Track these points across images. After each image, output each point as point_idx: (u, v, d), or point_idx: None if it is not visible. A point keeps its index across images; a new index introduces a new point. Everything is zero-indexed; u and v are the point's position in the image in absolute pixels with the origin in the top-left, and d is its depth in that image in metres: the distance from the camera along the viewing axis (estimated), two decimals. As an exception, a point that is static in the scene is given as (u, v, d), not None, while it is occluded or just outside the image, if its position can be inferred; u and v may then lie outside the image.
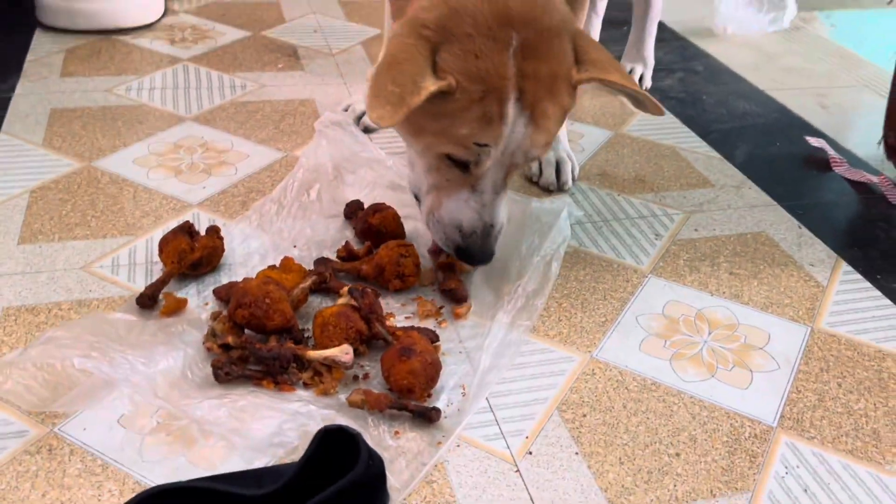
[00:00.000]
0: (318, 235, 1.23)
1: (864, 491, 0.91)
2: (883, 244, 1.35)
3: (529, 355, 1.06)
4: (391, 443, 0.89)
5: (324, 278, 1.09)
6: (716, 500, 0.88)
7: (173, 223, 1.24)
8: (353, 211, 1.27)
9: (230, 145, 1.50)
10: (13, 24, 1.95)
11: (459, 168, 1.04)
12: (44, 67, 1.75)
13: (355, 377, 0.99)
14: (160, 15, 2.05)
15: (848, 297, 1.22)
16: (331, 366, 0.97)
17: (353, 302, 1.02)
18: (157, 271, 1.15)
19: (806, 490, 0.90)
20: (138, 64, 1.80)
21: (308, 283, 1.07)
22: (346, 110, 1.59)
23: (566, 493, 0.87)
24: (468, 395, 0.98)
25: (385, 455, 0.86)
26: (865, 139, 1.72)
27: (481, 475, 0.89)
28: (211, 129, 1.55)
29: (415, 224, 1.27)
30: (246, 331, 1.01)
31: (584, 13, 1.36)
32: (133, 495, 0.77)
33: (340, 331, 0.99)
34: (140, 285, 1.12)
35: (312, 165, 1.36)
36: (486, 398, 0.98)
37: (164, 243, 1.13)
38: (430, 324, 1.08)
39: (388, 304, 1.11)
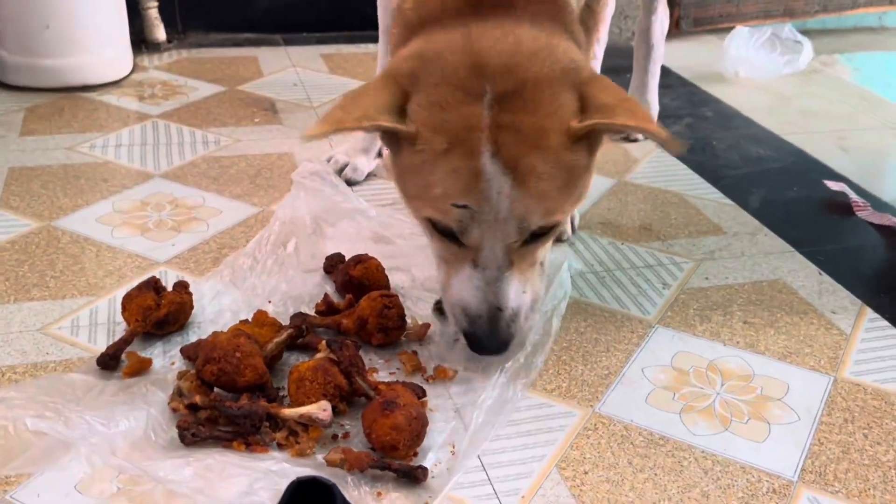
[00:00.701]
0: (294, 290, 1.27)
1: (895, 547, 0.92)
2: (911, 289, 1.39)
3: (526, 410, 1.08)
4: (373, 504, 0.91)
5: (300, 332, 1.13)
6: (732, 560, 0.89)
7: (138, 282, 1.27)
8: (334, 264, 1.31)
9: (201, 201, 1.55)
10: (-29, 83, 2.04)
11: (449, 239, 1.05)
12: (1, 126, 1.82)
13: (334, 436, 1.01)
14: (128, 71, 2.14)
15: (874, 344, 1.25)
16: (307, 424, 0.99)
17: (331, 355, 1.05)
18: (121, 331, 1.18)
19: (831, 547, 0.91)
20: (104, 121, 1.87)
21: (283, 336, 1.10)
22: (328, 161, 1.64)
23: (566, 554, 0.89)
24: (458, 453, 1.00)
25: (366, 516, 0.88)
26: (891, 182, 1.77)
27: (472, 537, 0.90)
28: (181, 185, 1.61)
29: (400, 276, 1.31)
30: (215, 389, 1.04)
31: (594, 45, 1.41)
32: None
33: (318, 386, 1.02)
34: (101, 346, 1.15)
35: (289, 218, 1.41)
36: (478, 456, 1.00)
37: (128, 300, 1.17)
38: (416, 379, 1.11)
39: (370, 359, 1.14)
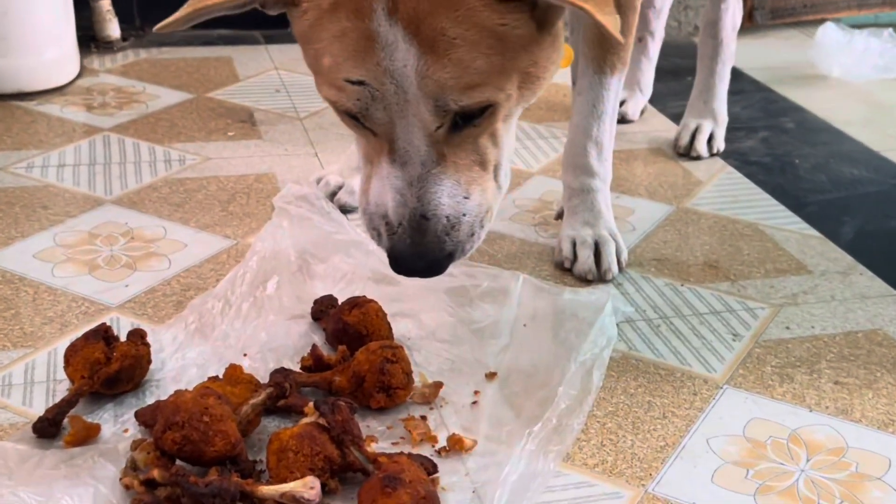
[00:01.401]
0: (275, 341, 1.29)
1: None
2: None
3: (562, 491, 1.09)
4: None
5: (282, 391, 1.14)
6: None
7: (85, 330, 1.29)
8: (324, 309, 1.33)
9: (162, 232, 1.58)
10: None
11: (359, 124, 1.06)
12: (-80, 142, 1.87)
13: (324, 520, 1.02)
14: (74, 76, 2.18)
15: None
16: (290, 505, 1.00)
17: (320, 420, 1.06)
18: (62, 391, 1.20)
19: None
20: (44, 136, 1.92)
21: (261, 397, 1.12)
22: (318, 183, 1.67)
23: None
24: (477, 542, 1.01)
25: None
26: None
27: None
28: (137, 213, 1.64)
29: (406, 323, 1.33)
30: (178, 461, 1.05)
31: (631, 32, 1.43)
32: None
33: (304, 458, 1.03)
34: (39, 410, 1.16)
35: (270, 252, 1.43)
36: (502, 545, 1.01)
37: (72, 352, 1.19)
38: (425, 450, 1.12)
39: (368, 426, 1.16)
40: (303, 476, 1.02)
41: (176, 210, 1.65)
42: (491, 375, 1.25)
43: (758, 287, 1.50)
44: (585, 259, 1.49)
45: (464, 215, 1.07)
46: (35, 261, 1.49)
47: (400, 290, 1.40)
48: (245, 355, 1.26)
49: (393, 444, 1.13)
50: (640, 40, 2.09)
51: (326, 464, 1.04)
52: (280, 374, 1.19)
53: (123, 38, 2.44)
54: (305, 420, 1.08)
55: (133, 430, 1.14)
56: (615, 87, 1.52)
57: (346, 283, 1.42)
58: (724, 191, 1.81)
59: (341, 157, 1.73)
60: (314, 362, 1.23)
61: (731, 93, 2.06)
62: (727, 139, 2.00)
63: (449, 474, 1.09)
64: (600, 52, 1.47)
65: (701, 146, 1.94)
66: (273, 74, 2.30)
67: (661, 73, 2.18)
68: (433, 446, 1.13)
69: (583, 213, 1.54)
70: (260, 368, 1.23)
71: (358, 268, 1.44)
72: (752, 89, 2.34)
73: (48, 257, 1.50)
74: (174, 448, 1.04)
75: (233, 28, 2.55)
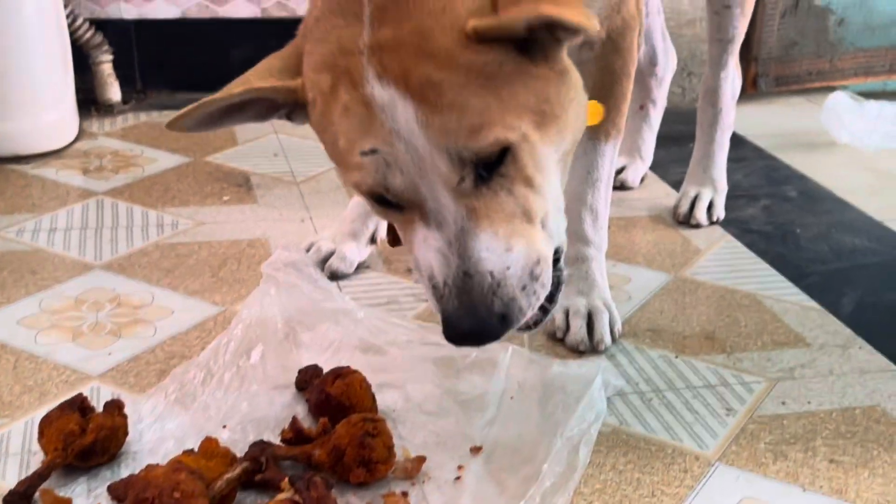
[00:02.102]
0: (257, 412, 1.27)
1: None
2: None
3: (543, 572, 1.06)
4: None
5: (258, 466, 1.13)
6: None
7: (64, 400, 1.28)
8: (309, 379, 1.32)
9: (150, 299, 1.57)
10: None
11: (388, 206, 1.07)
12: (-89, 205, 1.88)
13: None
14: (72, 139, 2.20)
15: None
16: (261, 585, 0.98)
17: (296, 497, 1.05)
18: (37, 463, 1.18)
19: None
20: (37, 199, 1.92)
21: (236, 471, 1.10)
22: (308, 250, 1.67)
23: None
24: None
25: None
26: None
27: None
28: (126, 278, 1.63)
29: (392, 395, 1.31)
30: (148, 538, 1.03)
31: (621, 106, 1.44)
32: None
33: (276, 536, 1.01)
34: (11, 482, 1.15)
35: (256, 320, 1.42)
36: None
37: (47, 423, 1.18)
38: (404, 529, 1.10)
39: (348, 501, 1.14)
40: (275, 555, 1.00)
41: (165, 275, 1.65)
42: (476, 450, 1.23)
43: (754, 360, 1.48)
44: (578, 329, 1.48)
45: (508, 268, 1.04)
46: (19, 327, 1.48)
47: (387, 360, 1.39)
48: (225, 427, 1.25)
49: (372, 521, 1.11)
50: (642, 108, 2.10)
51: (300, 542, 1.02)
52: (257, 447, 1.18)
53: (124, 101, 2.46)
54: (281, 496, 1.07)
55: (106, 504, 1.12)
56: (610, 153, 1.51)
57: (332, 351, 1.41)
58: (724, 260, 1.80)
59: (335, 222, 1.73)
60: (294, 435, 1.21)
61: (733, 160, 2.06)
62: (728, 207, 1.99)
63: (428, 554, 1.07)
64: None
65: (701, 214, 1.93)
66: (272, 138, 2.31)
67: (663, 139, 2.18)
68: (413, 524, 1.11)
69: (577, 281, 1.53)
70: (240, 440, 1.22)
71: (345, 336, 1.43)
72: (755, 156, 2.34)
73: (33, 324, 1.49)
74: (144, 524, 1.02)
75: (234, 92, 2.57)
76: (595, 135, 1.48)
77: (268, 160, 2.18)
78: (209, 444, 1.14)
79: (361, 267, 1.69)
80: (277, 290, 1.48)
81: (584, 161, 1.50)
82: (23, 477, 1.14)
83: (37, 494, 1.11)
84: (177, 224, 1.84)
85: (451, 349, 1.36)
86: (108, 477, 1.16)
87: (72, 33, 2.28)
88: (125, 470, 1.17)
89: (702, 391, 1.40)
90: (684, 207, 1.95)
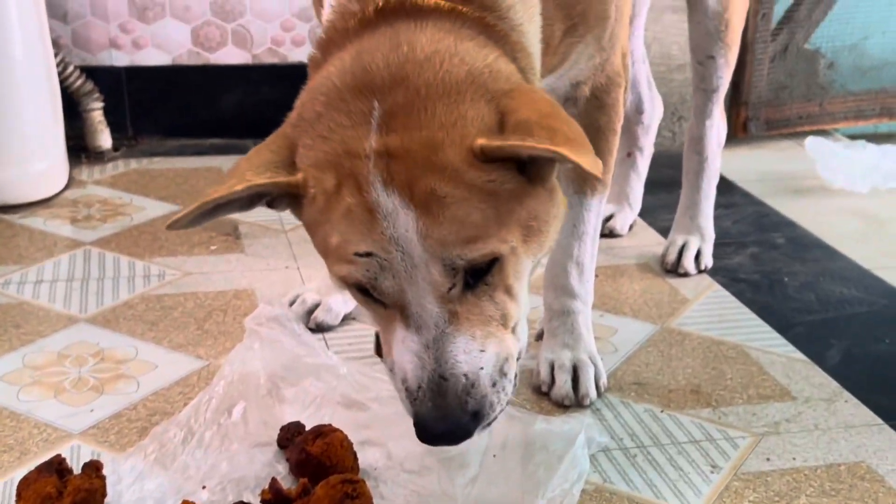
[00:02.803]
0: (238, 471, 1.27)
1: None
2: None
3: None
4: None
5: (236, 529, 1.12)
6: None
7: (43, 459, 1.28)
8: (290, 437, 1.32)
9: (133, 353, 1.57)
10: None
11: (371, 299, 1.07)
12: None
13: None
14: (61, 187, 2.20)
15: (985, 550, 1.21)
16: None
17: (272, 562, 1.04)
18: (14, 525, 1.18)
19: None
20: (24, 250, 1.92)
21: (213, 536, 1.10)
22: (291, 303, 1.67)
23: None
24: None
25: None
26: None
27: None
28: (110, 332, 1.63)
29: (374, 453, 1.31)
30: None
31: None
32: None
33: None
34: (-13, 545, 1.15)
35: (239, 376, 1.42)
36: None
37: (24, 486, 1.17)
38: None
39: (325, 566, 1.13)
40: None
41: (150, 329, 1.65)
42: (457, 510, 1.23)
43: (739, 414, 1.48)
44: (562, 384, 1.48)
45: (481, 369, 1.07)
46: (2, 383, 1.48)
47: (369, 416, 1.39)
48: (204, 487, 1.24)
49: (349, 586, 1.11)
50: (629, 155, 2.11)
51: None
52: (236, 509, 1.17)
53: (115, 148, 2.46)
54: (258, 561, 1.06)
55: (82, 569, 1.11)
56: (595, 207, 1.52)
57: (315, 407, 1.40)
58: (711, 310, 1.80)
59: (321, 271, 1.73)
60: (274, 496, 1.20)
61: (722, 206, 2.07)
62: (716, 255, 1.99)
63: None
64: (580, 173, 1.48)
65: (688, 263, 1.93)
66: (262, 185, 2.31)
67: (652, 184, 2.18)
68: (391, 588, 1.11)
69: (562, 335, 1.53)
70: (219, 501, 1.21)
71: (328, 392, 1.43)
72: (744, 202, 2.34)
73: (15, 380, 1.49)
74: (118, 591, 1.02)
75: (224, 137, 2.58)
76: (581, 189, 1.49)
77: (257, 209, 2.17)
78: (186, 508, 1.14)
79: (347, 318, 1.69)
80: (261, 345, 1.48)
81: (571, 215, 1.50)
82: (0, 540, 1.14)
83: (13, 558, 1.11)
84: (164, 275, 1.84)
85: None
86: (85, 540, 1.16)
87: (62, 81, 2.29)
88: (103, 533, 1.17)
89: (686, 447, 1.39)
90: (672, 256, 1.95)
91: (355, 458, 1.27)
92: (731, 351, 1.66)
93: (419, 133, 1.02)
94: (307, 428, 1.32)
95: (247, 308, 1.72)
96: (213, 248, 1.97)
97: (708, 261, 1.96)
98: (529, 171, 1.07)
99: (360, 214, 1.02)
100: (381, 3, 1.10)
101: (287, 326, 1.51)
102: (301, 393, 1.42)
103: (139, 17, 2.48)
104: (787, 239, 2.14)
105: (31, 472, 1.18)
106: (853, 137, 2.71)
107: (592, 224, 1.53)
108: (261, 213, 2.14)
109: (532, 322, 1.70)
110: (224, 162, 2.45)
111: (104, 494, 1.20)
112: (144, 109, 2.55)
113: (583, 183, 1.48)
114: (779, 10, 2.67)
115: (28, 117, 2.12)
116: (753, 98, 2.70)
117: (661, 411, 1.48)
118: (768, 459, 1.37)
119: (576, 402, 1.47)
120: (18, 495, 1.17)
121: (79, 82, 2.37)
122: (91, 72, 2.43)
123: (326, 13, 1.17)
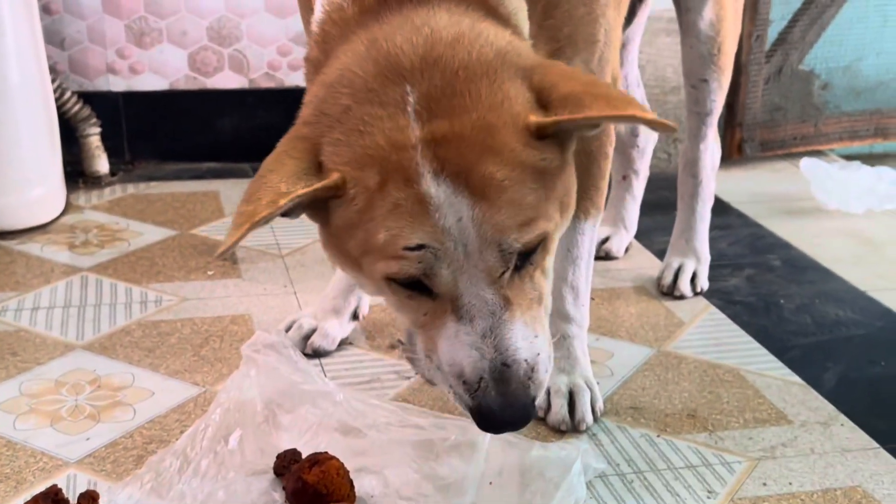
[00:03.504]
0: (234, 500, 1.26)
1: None
2: None
3: None
4: None
5: (232, 560, 1.12)
6: None
7: (40, 489, 1.28)
8: (286, 464, 1.31)
9: (130, 380, 1.57)
10: None
11: (419, 292, 1.06)
12: None
13: None
14: (58, 213, 2.20)
15: (981, 575, 1.21)
16: None
17: (268, 593, 1.04)
18: (10, 555, 1.18)
19: None
20: (21, 277, 1.92)
21: (209, 566, 1.09)
22: (287, 329, 1.67)
23: None
24: None
25: None
26: None
27: None
28: (107, 359, 1.63)
29: (370, 480, 1.31)
30: None
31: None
32: None
33: None
34: (-16, 575, 1.14)
35: (235, 403, 1.42)
36: None
37: (21, 515, 1.17)
38: None
39: None
40: None
41: (147, 355, 1.65)
42: (454, 538, 1.23)
43: (736, 438, 1.48)
44: (559, 409, 1.48)
45: (538, 354, 1.08)
46: (-3, 412, 1.48)
47: (366, 443, 1.38)
48: (201, 516, 1.24)
49: None
50: (625, 178, 2.11)
51: None
52: (233, 538, 1.17)
53: (112, 173, 2.46)
54: (254, 591, 1.06)
55: None
56: (589, 232, 1.52)
57: (311, 434, 1.40)
58: (707, 333, 1.80)
59: (318, 297, 1.73)
60: (270, 525, 1.21)
61: (718, 227, 2.07)
62: (712, 277, 1.99)
63: None
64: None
65: (684, 286, 1.94)
66: (259, 210, 2.31)
67: (648, 206, 2.19)
68: None
69: (558, 359, 1.53)
70: (215, 530, 1.21)
71: (324, 419, 1.42)
72: (739, 224, 2.34)
73: (11, 408, 1.49)
74: None
75: (222, 161, 2.58)
76: (574, 213, 1.49)
77: (254, 233, 2.17)
78: (182, 538, 1.14)
79: (344, 343, 1.70)
80: (257, 372, 1.47)
81: (565, 239, 1.50)
82: (-4, 571, 1.14)
83: (9, 590, 1.11)
84: (160, 301, 1.85)
85: (431, 432, 1.37)
86: (81, 570, 1.16)
87: (59, 106, 2.29)
88: (99, 563, 1.17)
89: (683, 472, 1.39)
90: (668, 279, 1.95)
91: (352, 486, 1.27)
92: (728, 374, 1.66)
93: (469, 116, 1.01)
94: (304, 455, 1.32)
95: (244, 333, 1.72)
96: (210, 273, 1.97)
97: (704, 283, 1.96)
98: (567, 146, 1.08)
99: (410, 207, 1.00)
100: None
101: (283, 353, 1.50)
102: (298, 420, 1.42)
103: (136, 43, 2.49)
104: (783, 261, 2.15)
105: (27, 503, 1.18)
106: (848, 158, 2.72)
107: (587, 248, 1.53)
108: (259, 237, 2.15)
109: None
110: (221, 186, 2.45)
111: (100, 524, 1.20)
112: (142, 134, 2.55)
113: (577, 208, 1.48)
114: (773, 32, 2.68)
115: (25, 143, 2.12)
116: (748, 119, 2.71)
117: (658, 436, 1.48)
118: (765, 484, 1.37)
119: (572, 428, 1.47)
120: (14, 526, 1.17)
121: (76, 108, 2.37)
122: (88, 97, 2.43)
123: (318, 13, 1.15)
